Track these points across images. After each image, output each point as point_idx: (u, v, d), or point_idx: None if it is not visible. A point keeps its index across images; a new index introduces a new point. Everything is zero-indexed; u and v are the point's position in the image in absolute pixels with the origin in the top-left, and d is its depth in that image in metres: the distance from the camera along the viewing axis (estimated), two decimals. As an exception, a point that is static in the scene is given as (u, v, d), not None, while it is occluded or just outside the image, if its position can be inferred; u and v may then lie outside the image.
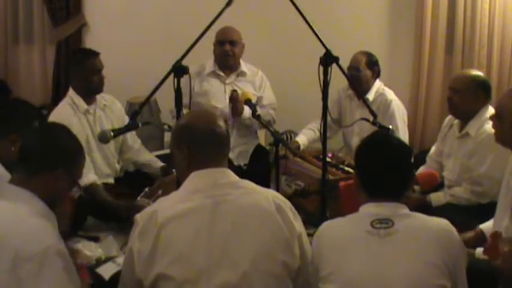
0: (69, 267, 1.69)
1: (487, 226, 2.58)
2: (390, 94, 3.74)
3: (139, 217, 1.82)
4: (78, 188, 2.08)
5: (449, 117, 3.28)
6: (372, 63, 3.71)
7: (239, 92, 3.64)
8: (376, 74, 3.75)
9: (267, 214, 1.83)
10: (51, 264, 1.62)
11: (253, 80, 3.92)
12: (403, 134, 3.71)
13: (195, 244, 1.75)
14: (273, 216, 1.83)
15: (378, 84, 3.75)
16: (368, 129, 3.01)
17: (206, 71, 3.85)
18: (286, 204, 1.90)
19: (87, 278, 2.26)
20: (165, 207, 1.82)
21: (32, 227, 1.67)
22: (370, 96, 3.69)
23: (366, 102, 3.00)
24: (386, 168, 1.89)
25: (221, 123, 1.95)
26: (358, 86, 3.56)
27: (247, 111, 3.63)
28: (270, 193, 1.93)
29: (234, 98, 3.64)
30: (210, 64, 3.87)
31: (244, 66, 3.91)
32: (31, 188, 1.77)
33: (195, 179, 1.86)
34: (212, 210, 1.79)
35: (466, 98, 3.07)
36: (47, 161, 1.81)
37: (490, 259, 2.12)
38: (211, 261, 1.73)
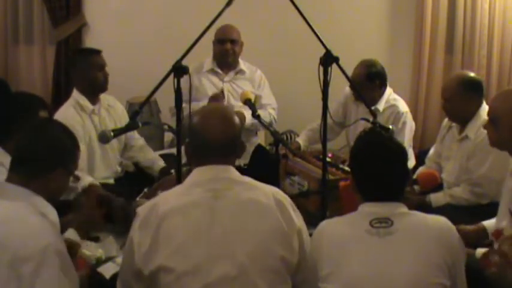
0: (66, 264, 1.70)
1: (489, 223, 2.56)
2: (403, 106, 3.63)
3: (140, 209, 1.88)
4: (74, 178, 2.09)
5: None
6: (372, 76, 3.56)
7: (239, 92, 3.64)
8: (381, 84, 3.61)
9: (266, 209, 1.86)
10: (49, 263, 1.63)
11: (252, 78, 3.92)
12: (407, 147, 3.64)
13: (195, 237, 1.79)
14: (272, 211, 1.86)
15: (387, 94, 3.64)
16: None
17: (204, 69, 3.86)
18: (287, 200, 1.93)
19: (85, 269, 2.22)
20: (165, 200, 1.87)
21: (30, 226, 1.69)
22: (380, 106, 3.59)
23: (369, 107, 2.96)
24: (381, 170, 1.89)
25: (228, 123, 1.94)
26: (364, 101, 3.46)
27: (248, 118, 3.57)
28: (271, 189, 1.95)
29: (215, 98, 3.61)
30: (208, 62, 3.88)
31: (243, 64, 3.92)
32: (30, 189, 1.79)
33: (196, 174, 1.92)
34: (212, 204, 1.83)
35: (458, 103, 3.03)
36: (45, 164, 1.83)
37: (482, 268, 2.10)
38: (211, 254, 1.77)
